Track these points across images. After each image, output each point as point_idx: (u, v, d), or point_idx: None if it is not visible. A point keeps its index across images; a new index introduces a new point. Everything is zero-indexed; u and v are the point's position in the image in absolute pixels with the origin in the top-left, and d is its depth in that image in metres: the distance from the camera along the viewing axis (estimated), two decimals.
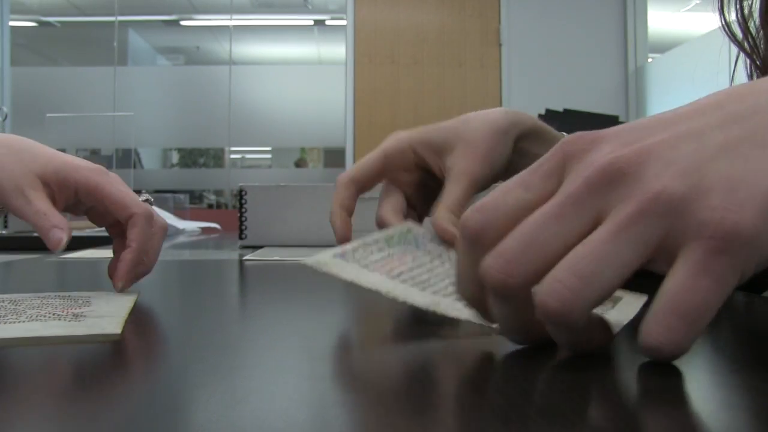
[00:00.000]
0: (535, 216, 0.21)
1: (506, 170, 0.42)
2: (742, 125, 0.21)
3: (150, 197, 0.48)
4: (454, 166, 0.40)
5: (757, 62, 0.46)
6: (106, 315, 0.30)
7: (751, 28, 0.47)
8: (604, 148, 0.21)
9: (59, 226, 0.38)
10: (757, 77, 0.48)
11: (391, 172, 0.43)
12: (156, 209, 0.49)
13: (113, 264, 0.40)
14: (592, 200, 0.21)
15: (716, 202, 0.19)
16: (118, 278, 0.38)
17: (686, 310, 0.19)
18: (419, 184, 0.43)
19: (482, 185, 0.41)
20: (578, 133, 0.23)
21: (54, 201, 0.40)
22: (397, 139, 0.44)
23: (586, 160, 0.22)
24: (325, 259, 0.31)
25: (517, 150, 0.43)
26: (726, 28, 0.49)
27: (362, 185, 0.42)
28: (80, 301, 0.34)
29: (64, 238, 0.38)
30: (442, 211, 0.38)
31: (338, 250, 0.32)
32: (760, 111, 0.21)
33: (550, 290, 0.20)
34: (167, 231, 0.43)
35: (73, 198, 0.41)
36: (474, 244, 0.23)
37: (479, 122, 0.42)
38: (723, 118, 0.21)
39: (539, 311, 0.20)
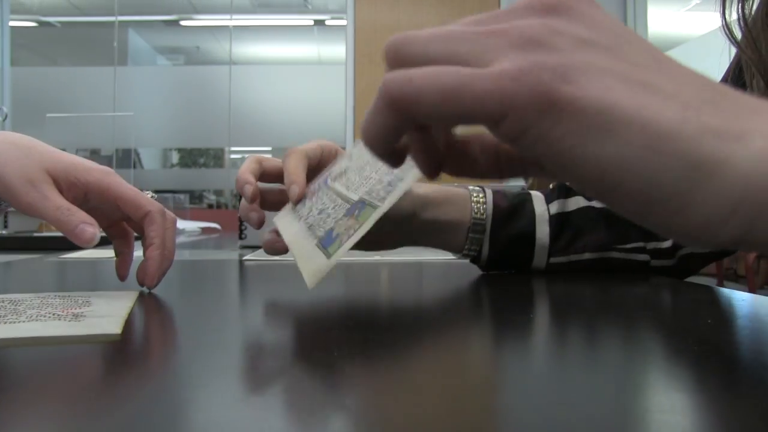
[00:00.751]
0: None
1: (401, 227, 0.49)
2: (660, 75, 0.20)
3: (154, 194, 0.49)
4: None
5: (758, 67, 0.46)
6: (106, 315, 0.30)
7: (752, 31, 0.47)
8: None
9: (87, 221, 0.37)
10: (756, 82, 0.48)
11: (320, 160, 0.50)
12: None
13: (122, 264, 0.40)
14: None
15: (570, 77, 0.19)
16: (151, 278, 0.39)
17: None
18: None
19: None
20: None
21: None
22: (326, 142, 0.52)
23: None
24: (280, 215, 0.45)
25: (423, 220, 0.50)
26: (726, 29, 0.49)
27: (310, 160, 0.49)
28: (80, 301, 0.34)
29: (97, 233, 0.37)
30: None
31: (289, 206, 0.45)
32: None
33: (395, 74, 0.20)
34: (176, 223, 0.44)
35: (81, 198, 0.40)
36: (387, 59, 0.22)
37: None
38: (663, 69, 0.20)
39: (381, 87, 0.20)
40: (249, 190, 0.47)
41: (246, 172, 0.48)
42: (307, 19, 4.86)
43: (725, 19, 0.49)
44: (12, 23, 4.00)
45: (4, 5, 3.88)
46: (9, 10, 3.94)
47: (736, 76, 0.51)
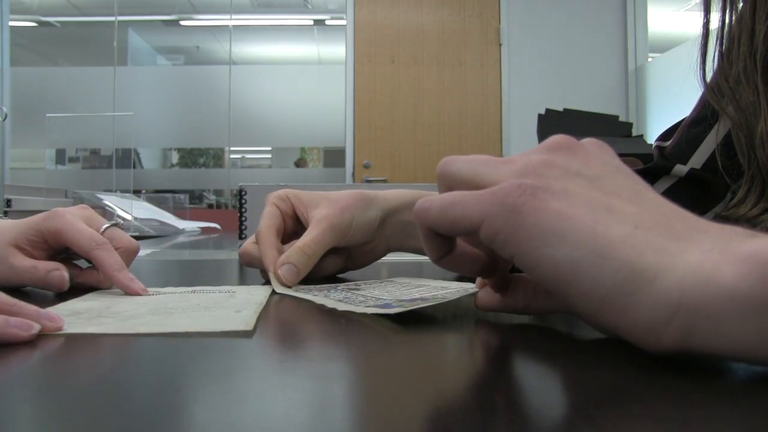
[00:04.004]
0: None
1: (376, 236, 0.51)
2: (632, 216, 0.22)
3: (119, 221, 0.50)
4: (316, 215, 0.49)
5: (739, 125, 0.45)
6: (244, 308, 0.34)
7: (733, 89, 0.46)
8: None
9: (51, 269, 0.42)
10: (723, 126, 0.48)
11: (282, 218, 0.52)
12: (154, 208, 0.50)
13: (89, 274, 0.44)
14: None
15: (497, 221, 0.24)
16: (132, 290, 0.41)
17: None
18: (297, 232, 0.51)
19: (341, 231, 0.48)
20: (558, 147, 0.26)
21: (34, 257, 0.43)
22: (280, 192, 0.53)
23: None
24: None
25: (393, 223, 0.52)
26: (705, 85, 0.49)
27: (279, 231, 0.50)
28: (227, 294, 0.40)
29: (63, 275, 0.42)
30: (292, 250, 0.45)
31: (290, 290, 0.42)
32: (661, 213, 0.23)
33: (423, 201, 0.27)
34: (137, 251, 0.46)
35: (47, 247, 0.44)
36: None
37: (345, 191, 0.50)
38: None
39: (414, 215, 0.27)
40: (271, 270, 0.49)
41: (268, 249, 0.49)
42: (307, 19, 4.86)
43: (704, 75, 0.49)
44: (12, 23, 4.00)
45: (4, 5, 3.88)
46: (9, 10, 3.94)
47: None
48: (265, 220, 0.51)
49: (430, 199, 0.26)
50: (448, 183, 0.28)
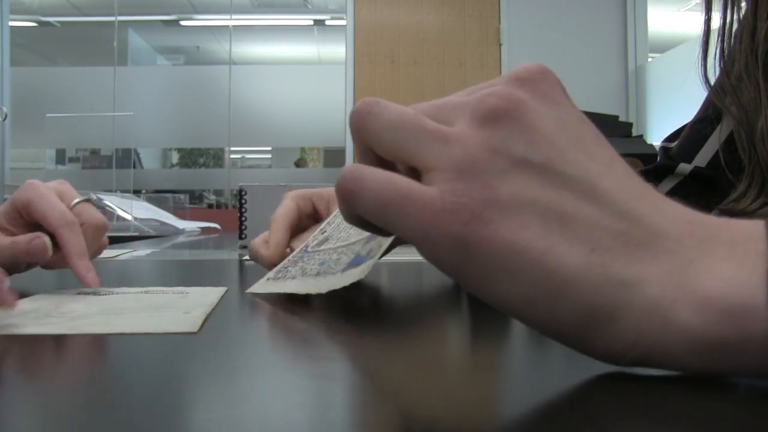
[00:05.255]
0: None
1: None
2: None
3: (93, 197, 0.49)
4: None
5: (740, 121, 0.46)
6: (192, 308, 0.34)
7: (734, 86, 0.46)
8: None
9: (31, 239, 0.41)
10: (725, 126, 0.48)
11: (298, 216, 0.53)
12: (154, 208, 0.50)
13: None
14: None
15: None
16: (86, 281, 0.41)
17: None
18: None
19: None
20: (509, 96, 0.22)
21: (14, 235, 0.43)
22: (301, 191, 0.55)
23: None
24: (257, 286, 0.42)
25: None
26: (707, 84, 0.49)
27: (293, 224, 0.52)
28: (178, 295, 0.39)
29: (46, 240, 0.41)
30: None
31: (270, 273, 0.43)
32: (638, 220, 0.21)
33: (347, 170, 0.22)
34: (105, 228, 0.46)
35: (24, 222, 0.44)
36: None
37: None
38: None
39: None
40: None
41: (277, 240, 0.50)
42: (307, 19, 4.86)
43: (705, 72, 0.49)
44: (12, 23, 4.00)
45: (4, 5, 3.88)
46: (9, 10, 3.94)
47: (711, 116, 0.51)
48: (282, 210, 0.52)
49: (359, 174, 0.22)
50: (367, 143, 0.23)
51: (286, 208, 0.52)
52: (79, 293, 0.40)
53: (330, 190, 0.54)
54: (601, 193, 0.21)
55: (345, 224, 0.42)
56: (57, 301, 0.37)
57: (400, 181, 0.21)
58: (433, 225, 0.20)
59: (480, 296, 0.21)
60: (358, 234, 0.40)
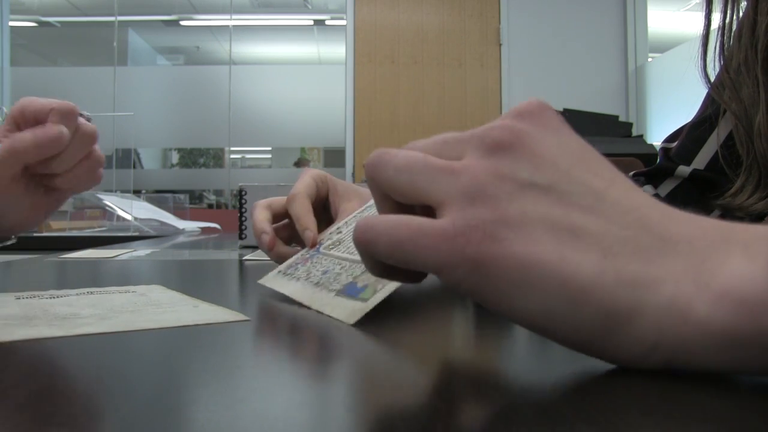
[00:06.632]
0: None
1: None
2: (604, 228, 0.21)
3: (84, 112, 0.50)
4: (347, 209, 0.50)
5: (739, 116, 0.46)
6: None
7: (733, 79, 0.46)
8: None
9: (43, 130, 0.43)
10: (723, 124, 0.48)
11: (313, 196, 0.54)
12: (154, 208, 0.51)
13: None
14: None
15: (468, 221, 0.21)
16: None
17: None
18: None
19: None
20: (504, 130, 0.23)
21: None
22: (321, 173, 0.56)
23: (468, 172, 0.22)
24: (268, 278, 0.43)
25: None
26: (706, 78, 0.49)
27: (312, 199, 0.53)
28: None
29: (61, 128, 0.44)
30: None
31: (282, 267, 0.44)
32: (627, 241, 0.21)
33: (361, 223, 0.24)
34: (94, 136, 0.49)
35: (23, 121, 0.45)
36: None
37: None
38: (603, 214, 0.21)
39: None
40: (266, 239, 0.52)
41: (261, 221, 0.53)
42: (307, 19, 4.86)
43: (705, 67, 0.49)
44: (12, 23, 4.00)
45: (4, 5, 3.88)
46: (9, 10, 3.94)
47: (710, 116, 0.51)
48: (302, 188, 0.52)
49: (371, 224, 0.23)
50: (383, 190, 0.25)
51: (306, 186, 0.53)
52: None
53: (345, 185, 0.54)
54: (608, 206, 0.21)
55: None
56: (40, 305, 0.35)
57: (411, 220, 0.22)
58: (448, 251, 0.21)
59: (502, 313, 0.21)
60: None
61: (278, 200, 0.54)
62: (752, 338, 0.19)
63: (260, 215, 0.53)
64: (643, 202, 0.22)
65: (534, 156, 0.22)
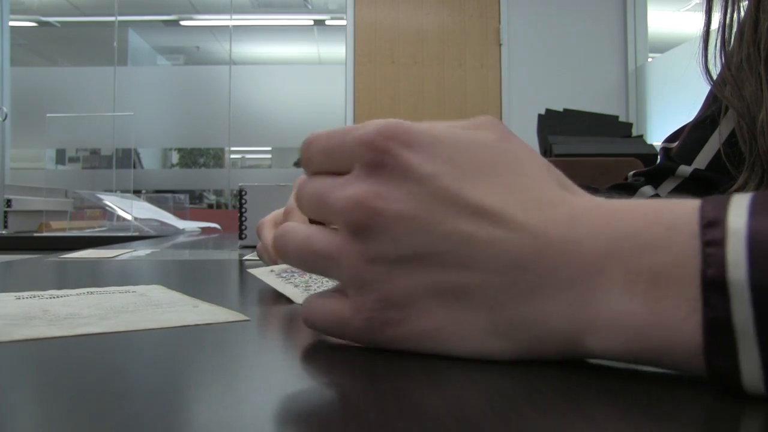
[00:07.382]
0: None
1: None
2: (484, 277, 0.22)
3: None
4: None
5: (741, 113, 0.46)
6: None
7: (735, 76, 0.46)
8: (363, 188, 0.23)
9: None
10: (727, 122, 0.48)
11: None
12: (154, 208, 0.51)
13: None
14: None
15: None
16: None
17: None
18: None
19: None
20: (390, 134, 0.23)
21: None
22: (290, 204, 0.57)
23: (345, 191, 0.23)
24: (259, 271, 0.44)
25: None
26: (708, 75, 0.49)
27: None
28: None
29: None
30: None
31: (276, 269, 0.45)
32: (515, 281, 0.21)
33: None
34: None
35: None
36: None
37: None
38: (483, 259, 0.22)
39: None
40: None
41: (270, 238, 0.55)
42: (307, 19, 4.86)
43: (706, 63, 0.49)
44: (12, 23, 4.00)
45: (4, 5, 3.87)
46: (9, 10, 3.94)
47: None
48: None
49: (311, 308, 0.26)
50: (311, 168, 0.27)
51: (272, 217, 0.58)
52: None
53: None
54: (479, 252, 0.21)
55: None
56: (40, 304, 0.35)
57: (325, 313, 0.25)
58: (361, 337, 0.24)
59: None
60: None
61: (280, 213, 0.57)
62: (645, 361, 0.20)
63: (270, 235, 0.56)
64: (542, 221, 0.21)
65: (391, 227, 0.22)
